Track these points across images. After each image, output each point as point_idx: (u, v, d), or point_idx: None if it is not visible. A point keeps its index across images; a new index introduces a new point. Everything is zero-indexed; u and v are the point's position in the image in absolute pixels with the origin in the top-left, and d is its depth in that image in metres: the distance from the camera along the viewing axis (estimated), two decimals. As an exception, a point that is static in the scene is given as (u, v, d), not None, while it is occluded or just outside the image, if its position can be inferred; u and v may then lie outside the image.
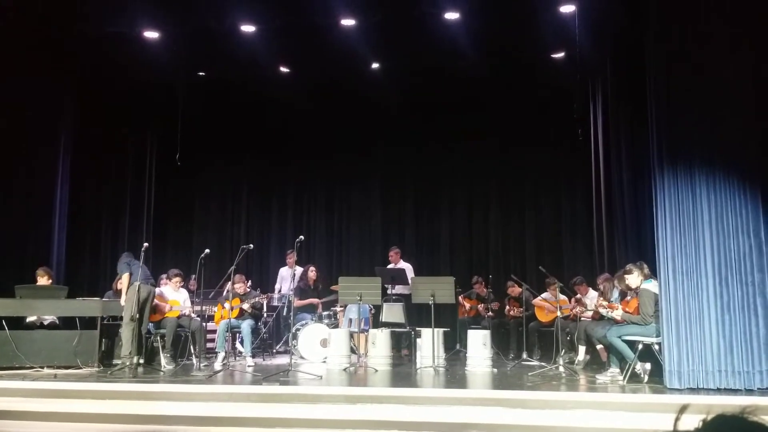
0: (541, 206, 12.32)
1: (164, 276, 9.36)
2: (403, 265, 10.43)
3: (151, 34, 9.85)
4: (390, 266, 10.39)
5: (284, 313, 10.03)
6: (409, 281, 9.36)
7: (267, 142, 13.12)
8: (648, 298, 6.85)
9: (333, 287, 9.98)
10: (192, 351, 8.61)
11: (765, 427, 0.91)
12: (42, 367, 7.65)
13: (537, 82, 11.35)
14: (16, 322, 8.08)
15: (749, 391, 6.09)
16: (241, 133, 13.08)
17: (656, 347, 6.73)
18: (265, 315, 9.70)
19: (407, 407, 5.92)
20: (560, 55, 10.60)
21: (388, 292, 9.65)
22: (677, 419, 0.95)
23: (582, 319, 8.48)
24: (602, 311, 7.58)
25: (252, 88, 12.06)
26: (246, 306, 8.87)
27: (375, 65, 11.30)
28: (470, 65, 10.74)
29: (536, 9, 9.28)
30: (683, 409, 0.96)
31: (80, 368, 7.81)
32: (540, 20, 9.53)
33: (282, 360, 9.03)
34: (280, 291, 10.80)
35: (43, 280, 8.62)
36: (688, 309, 6.33)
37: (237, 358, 9.14)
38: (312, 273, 10.52)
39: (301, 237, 8.73)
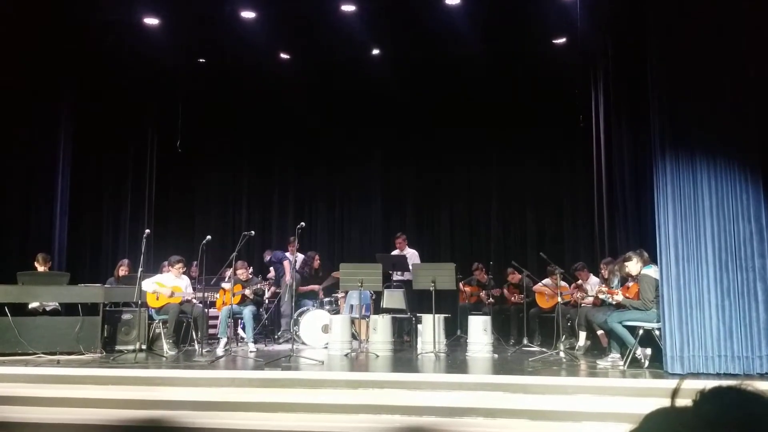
0: (542, 192, 12.31)
1: (166, 262, 9.37)
2: (409, 251, 10.39)
3: (152, 21, 9.82)
4: (395, 252, 10.37)
5: (285, 299, 10.04)
6: (410, 267, 9.37)
7: (267, 128, 13.09)
8: (648, 284, 6.86)
9: (334, 274, 9.99)
10: (194, 337, 8.63)
11: (761, 396, 0.91)
12: (44, 354, 7.67)
13: (538, 67, 11.29)
14: (19, 309, 8.10)
15: (748, 376, 6.10)
16: (242, 120, 13.06)
17: (657, 332, 6.74)
18: (266, 301, 9.73)
19: (408, 392, 5.95)
20: (562, 40, 10.56)
21: (393, 278, 9.63)
22: (675, 393, 0.95)
23: (582, 304, 8.50)
24: (603, 297, 7.60)
25: (252, 74, 12.03)
26: (248, 292, 8.90)
27: (375, 51, 11.27)
28: (471, 50, 10.70)
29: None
30: (679, 384, 0.96)
31: (83, 354, 7.82)
32: (541, 5, 9.48)
33: (283, 346, 9.07)
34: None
35: (40, 267, 8.64)
36: (688, 294, 6.34)
37: (239, 343, 9.17)
38: (317, 261, 10.54)
39: (302, 224, 8.72)
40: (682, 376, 5.92)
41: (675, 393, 0.95)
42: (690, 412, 0.92)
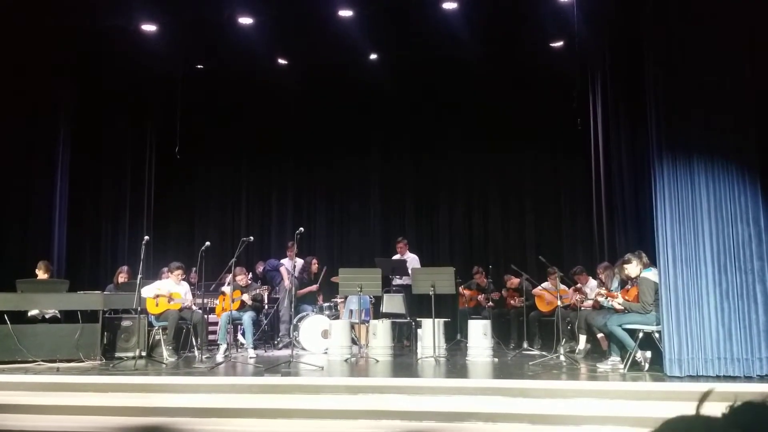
0: (540, 196, 12.33)
1: (165, 269, 9.36)
2: (409, 256, 10.39)
3: (149, 27, 9.83)
4: (396, 257, 10.36)
5: (285, 304, 10.04)
6: (410, 272, 9.36)
7: (266, 134, 13.10)
8: (647, 287, 6.86)
9: (333, 279, 9.99)
10: (194, 343, 8.62)
11: None
12: (44, 361, 7.65)
13: (536, 71, 11.32)
14: (18, 317, 8.09)
15: (748, 378, 6.11)
16: (240, 126, 13.07)
17: (656, 335, 6.74)
18: (266, 307, 9.72)
19: (408, 397, 5.94)
20: (559, 44, 10.58)
21: (393, 282, 9.63)
22: (701, 404, 0.97)
23: (582, 308, 8.49)
24: (602, 300, 7.59)
25: (250, 80, 12.06)
26: (247, 298, 8.89)
27: (373, 56, 11.29)
28: (468, 55, 10.72)
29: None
30: (706, 395, 0.98)
31: (82, 361, 7.81)
32: (538, 9, 9.50)
33: (283, 351, 9.06)
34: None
35: (41, 274, 8.63)
36: (687, 297, 6.34)
37: (239, 349, 9.16)
38: (314, 266, 10.54)
39: (301, 229, 8.73)
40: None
41: (703, 400, 0.96)
42: (722, 421, 0.93)
